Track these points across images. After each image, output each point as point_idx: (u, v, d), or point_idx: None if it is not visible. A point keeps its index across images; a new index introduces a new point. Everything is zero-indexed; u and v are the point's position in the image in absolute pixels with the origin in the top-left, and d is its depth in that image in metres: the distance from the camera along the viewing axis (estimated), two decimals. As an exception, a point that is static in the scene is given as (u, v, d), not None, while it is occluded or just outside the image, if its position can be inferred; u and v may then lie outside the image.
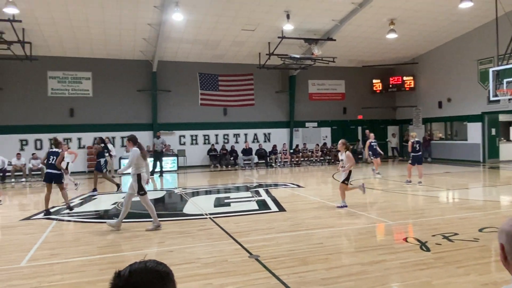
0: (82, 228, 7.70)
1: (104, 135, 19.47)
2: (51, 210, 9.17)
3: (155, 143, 18.01)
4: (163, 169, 18.06)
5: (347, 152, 8.94)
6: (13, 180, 16.81)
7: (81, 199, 11.27)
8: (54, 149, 9.34)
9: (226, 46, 19.42)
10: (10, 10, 13.01)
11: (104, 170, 13.34)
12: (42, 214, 8.91)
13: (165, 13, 14.77)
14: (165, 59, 20.13)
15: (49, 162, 9.16)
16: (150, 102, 20.62)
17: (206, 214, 8.53)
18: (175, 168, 19.69)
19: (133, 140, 7.62)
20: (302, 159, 21.95)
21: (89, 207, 10.22)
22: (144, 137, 19.43)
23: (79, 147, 19.65)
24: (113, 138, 19.05)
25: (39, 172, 17.23)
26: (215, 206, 9.89)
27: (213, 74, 21.56)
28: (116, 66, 20.01)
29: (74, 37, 17.15)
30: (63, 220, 8.46)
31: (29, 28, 15.27)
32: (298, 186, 13.18)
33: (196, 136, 21.78)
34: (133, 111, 20.37)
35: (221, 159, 21.22)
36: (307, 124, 23.76)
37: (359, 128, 24.50)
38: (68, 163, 13.13)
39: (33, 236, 6.95)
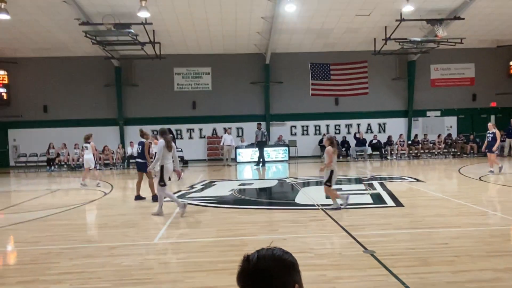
0: (203, 211, 8.35)
1: (221, 126, 20.89)
2: (176, 195, 10.14)
3: (257, 134, 18.30)
4: (265, 159, 18.10)
5: (328, 147, 7.82)
6: (146, 166, 19.05)
7: (202, 185, 12.24)
8: (142, 140, 9.88)
9: (339, 34, 18.92)
10: (143, 14, 14.65)
11: None
12: (151, 199, 9.85)
13: (278, 4, 14.98)
14: (278, 51, 20.48)
15: (138, 151, 10.02)
16: (262, 94, 21.28)
17: (318, 205, 8.49)
18: (286, 158, 20.04)
19: (160, 132, 7.97)
20: (421, 151, 20.34)
21: (210, 192, 11.03)
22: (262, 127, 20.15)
23: (200, 137, 21.36)
24: (230, 128, 20.16)
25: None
26: (327, 197, 9.75)
27: (325, 63, 21.22)
28: (232, 61, 21.11)
29: (195, 35, 18.56)
30: (188, 204, 9.27)
31: (158, 29, 16.99)
32: (417, 180, 12.25)
33: (307, 126, 21.82)
34: (247, 103, 21.28)
35: (333, 150, 20.82)
36: (428, 113, 21.91)
37: (492, 117, 21.67)
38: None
39: (164, 216, 7.77)
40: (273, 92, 21.27)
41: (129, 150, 19.74)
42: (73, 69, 20.68)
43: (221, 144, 19.34)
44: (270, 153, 19.85)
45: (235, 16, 16.49)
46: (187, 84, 21.41)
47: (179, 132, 21.22)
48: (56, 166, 19.21)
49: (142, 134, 9.98)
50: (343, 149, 20.91)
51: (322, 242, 5.76)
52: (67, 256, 5.40)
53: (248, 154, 19.96)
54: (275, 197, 11.08)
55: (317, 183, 12.68)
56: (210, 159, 21.18)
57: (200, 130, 21.46)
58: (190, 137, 21.41)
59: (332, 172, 7.79)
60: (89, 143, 12.64)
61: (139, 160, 9.94)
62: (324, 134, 21.39)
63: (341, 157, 20.50)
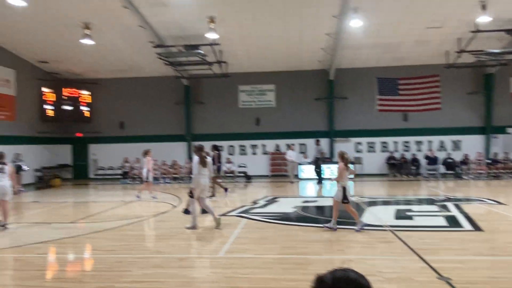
0: (267, 227, 8.37)
1: (284, 142, 20.96)
2: (240, 210, 10.29)
3: (316, 150, 18.03)
4: (322, 177, 17.81)
5: (340, 163, 7.75)
6: (211, 180, 19.61)
7: (265, 201, 12.30)
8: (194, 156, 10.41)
9: (407, 47, 18.23)
10: (212, 36, 15.32)
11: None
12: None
13: (343, 21, 14.85)
14: (342, 66, 20.21)
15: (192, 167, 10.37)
16: (326, 110, 21.04)
17: (386, 226, 8.11)
18: (352, 176, 19.42)
19: (196, 149, 8.61)
20: (502, 171, 18.66)
21: (273, 208, 11.05)
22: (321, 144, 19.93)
23: (264, 153, 21.57)
24: (292, 144, 20.13)
25: (232, 175, 19.64)
26: (396, 218, 9.32)
27: (393, 78, 20.50)
28: (295, 77, 21.21)
29: (260, 53, 18.98)
30: (251, 219, 9.38)
31: (225, 49, 17.63)
32: (498, 202, 11.22)
33: (373, 143, 21.10)
34: (310, 119, 21.16)
35: (401, 168, 19.93)
36: (509, 130, 20.12)
37: None
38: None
39: (228, 231, 7.92)
40: (337, 108, 20.94)
41: (196, 165, 20.46)
42: (147, 89, 22.11)
43: (287, 159, 19.31)
44: (334, 170, 19.41)
45: (299, 33, 16.62)
46: (251, 101, 21.87)
47: (243, 148, 21.65)
48: (130, 179, 20.48)
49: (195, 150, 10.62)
50: (413, 167, 19.89)
51: (391, 266, 5.48)
52: (138, 265, 5.70)
53: (311, 171, 19.72)
54: (340, 215, 10.76)
55: (384, 203, 12.15)
56: (273, 175, 21.26)
57: (264, 146, 21.68)
58: (254, 153, 21.71)
59: (344, 188, 7.79)
60: (145, 157, 13.59)
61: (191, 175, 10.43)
62: (391, 152, 20.58)
63: (410, 176, 19.51)
